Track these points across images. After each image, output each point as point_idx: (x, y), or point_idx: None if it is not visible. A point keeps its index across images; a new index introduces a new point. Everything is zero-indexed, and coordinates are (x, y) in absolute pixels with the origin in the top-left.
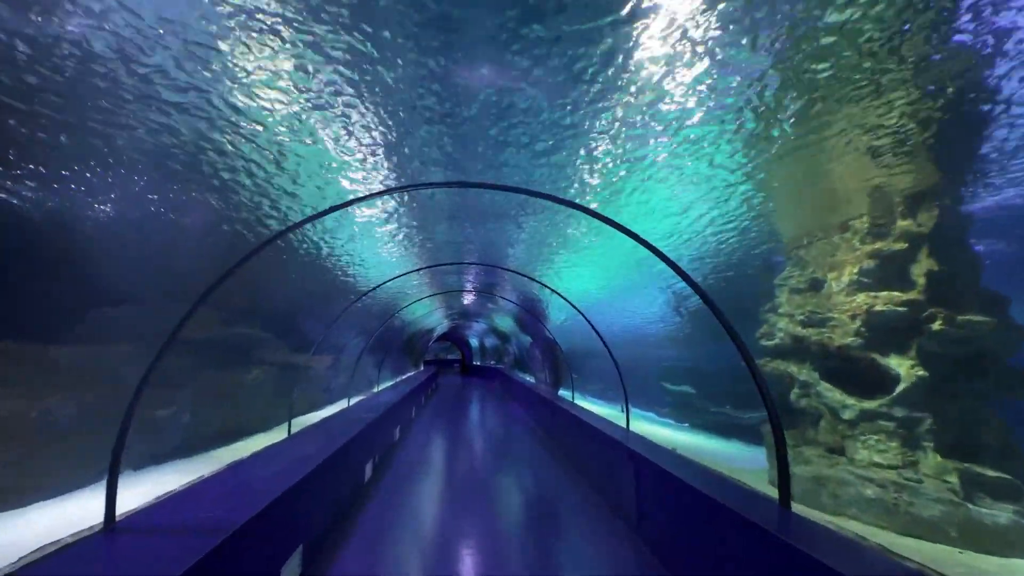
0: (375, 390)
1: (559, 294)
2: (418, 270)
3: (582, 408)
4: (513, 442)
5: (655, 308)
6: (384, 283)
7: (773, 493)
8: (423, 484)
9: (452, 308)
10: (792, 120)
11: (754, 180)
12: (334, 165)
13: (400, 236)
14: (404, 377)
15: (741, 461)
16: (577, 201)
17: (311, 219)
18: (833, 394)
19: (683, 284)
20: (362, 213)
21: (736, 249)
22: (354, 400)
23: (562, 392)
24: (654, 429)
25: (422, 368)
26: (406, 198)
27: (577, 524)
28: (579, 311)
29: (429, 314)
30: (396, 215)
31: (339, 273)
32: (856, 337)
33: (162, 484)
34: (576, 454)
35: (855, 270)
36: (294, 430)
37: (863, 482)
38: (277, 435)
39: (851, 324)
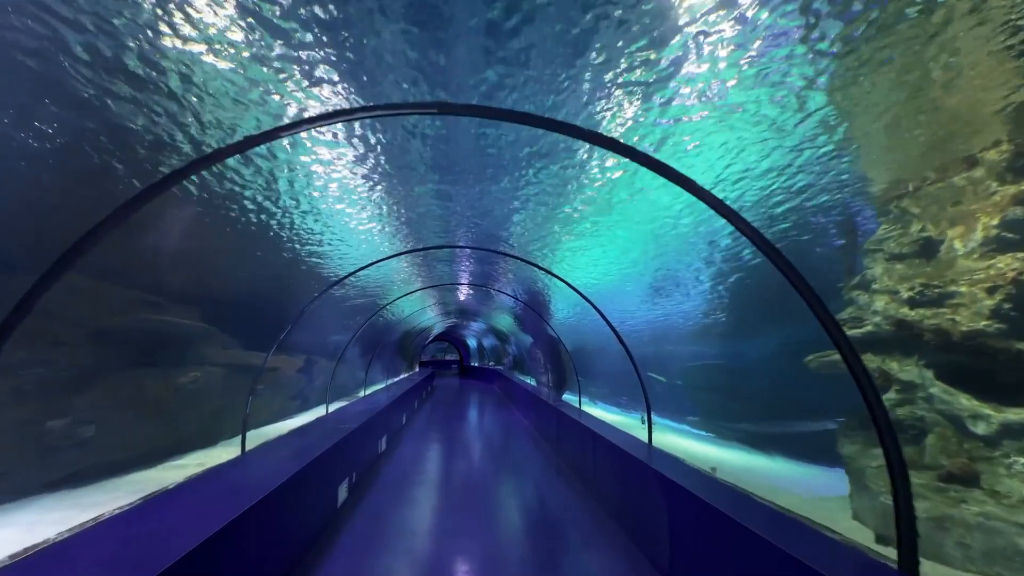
0: (361, 394)
1: (566, 282)
2: (402, 254)
3: (592, 417)
4: (516, 456)
5: (682, 295)
6: (361, 269)
7: (863, 537)
8: (410, 507)
9: (448, 305)
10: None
11: (832, 100)
12: (267, 83)
13: (376, 199)
14: (396, 380)
15: (798, 486)
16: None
17: (219, 156)
18: (955, 399)
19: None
20: (331, 178)
21: (800, 203)
22: (334, 407)
23: (566, 397)
24: (676, 440)
25: (417, 370)
26: (378, 160)
27: (597, 566)
28: (590, 302)
29: (423, 311)
30: (368, 176)
31: (303, 251)
32: (994, 319)
33: (40, 526)
34: (589, 474)
35: (992, 222)
36: (252, 445)
37: (1013, 528)
38: (227, 452)
39: (987, 300)
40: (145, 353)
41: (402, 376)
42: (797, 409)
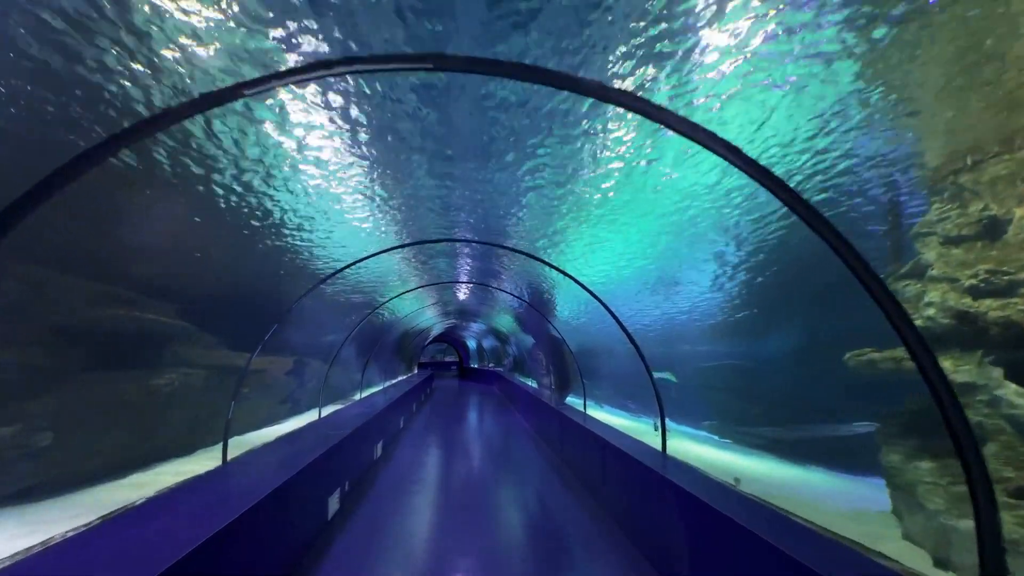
0: (357, 397)
1: (575, 279)
2: (400, 247)
3: (598, 422)
4: (517, 461)
5: (700, 290)
6: (356, 263)
7: (916, 560)
8: (405, 518)
9: (447, 305)
10: None
11: (872, 58)
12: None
13: (368, 184)
14: (394, 382)
15: (830, 498)
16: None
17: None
18: None
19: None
20: (317, 160)
21: (840, 180)
22: (328, 410)
23: (570, 399)
24: (692, 447)
25: (416, 371)
26: (367, 137)
27: None
28: (600, 300)
29: (421, 311)
30: (358, 156)
31: (290, 242)
32: None
33: None
34: (596, 482)
35: None
36: (235, 453)
37: None
38: (207, 461)
39: None
40: (114, 353)
41: (400, 378)
42: (824, 413)
